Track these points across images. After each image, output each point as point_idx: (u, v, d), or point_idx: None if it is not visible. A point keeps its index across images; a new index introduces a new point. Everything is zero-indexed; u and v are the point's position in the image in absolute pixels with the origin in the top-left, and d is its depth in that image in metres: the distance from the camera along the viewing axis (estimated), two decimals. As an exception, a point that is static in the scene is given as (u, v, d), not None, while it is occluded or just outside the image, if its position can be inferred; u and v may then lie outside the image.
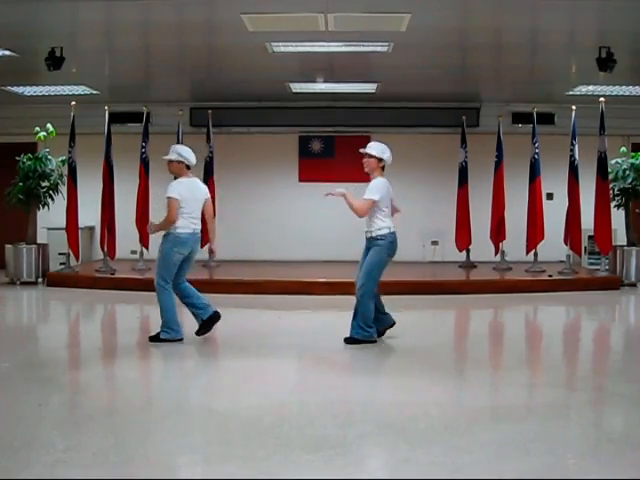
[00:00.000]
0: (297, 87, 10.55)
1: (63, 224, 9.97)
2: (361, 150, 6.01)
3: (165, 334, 5.88)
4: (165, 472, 3.22)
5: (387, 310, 6.03)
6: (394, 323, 5.99)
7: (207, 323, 5.93)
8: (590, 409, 4.32)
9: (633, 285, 9.69)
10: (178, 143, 10.50)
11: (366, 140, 11.89)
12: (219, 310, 5.97)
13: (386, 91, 10.63)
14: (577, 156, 9.81)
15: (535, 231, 10.02)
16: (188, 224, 5.84)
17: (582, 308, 8.67)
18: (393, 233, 5.83)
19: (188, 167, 5.97)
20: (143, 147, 10.36)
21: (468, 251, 10.90)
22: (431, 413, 4.14)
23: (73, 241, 9.87)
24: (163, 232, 5.94)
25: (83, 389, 4.77)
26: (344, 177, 11.91)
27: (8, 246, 9.96)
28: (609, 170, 9.77)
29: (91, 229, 11.63)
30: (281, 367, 5.34)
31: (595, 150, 9.70)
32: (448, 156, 11.15)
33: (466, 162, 10.94)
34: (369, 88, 10.58)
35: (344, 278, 9.47)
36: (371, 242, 5.89)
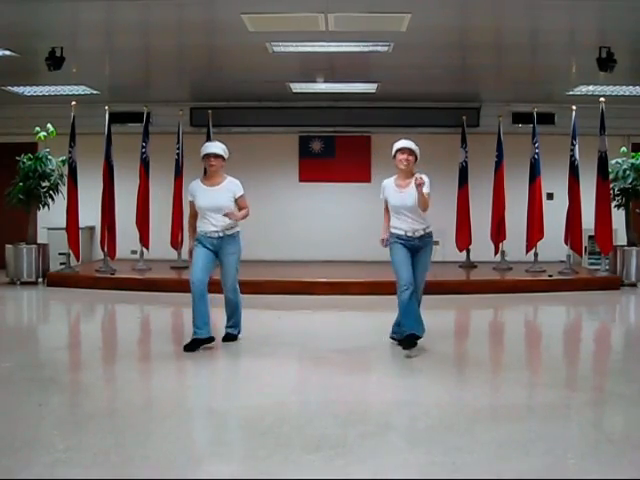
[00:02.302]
0: (297, 87, 10.55)
1: (63, 224, 9.98)
2: (406, 145, 5.63)
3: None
4: (165, 472, 3.22)
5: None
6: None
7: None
8: (590, 409, 4.32)
9: (633, 285, 9.69)
10: (178, 143, 10.61)
11: (366, 140, 12.03)
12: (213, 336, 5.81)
13: (386, 91, 10.63)
14: (577, 156, 9.81)
15: (534, 231, 10.03)
16: None
17: (582, 308, 8.66)
18: None
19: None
20: (143, 147, 10.37)
21: (468, 251, 10.91)
22: (431, 413, 4.14)
23: (73, 241, 9.87)
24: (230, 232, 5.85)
25: (83, 389, 4.77)
26: (344, 177, 11.99)
27: (8, 246, 9.96)
28: (609, 170, 9.77)
29: (91, 229, 11.64)
30: (281, 367, 5.33)
31: (595, 150, 9.70)
32: (448, 156, 11.15)
33: (466, 162, 10.95)
34: (369, 88, 10.58)
35: (344, 278, 9.53)
36: (422, 240, 5.72)
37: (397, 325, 5.87)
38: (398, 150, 5.69)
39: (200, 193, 5.77)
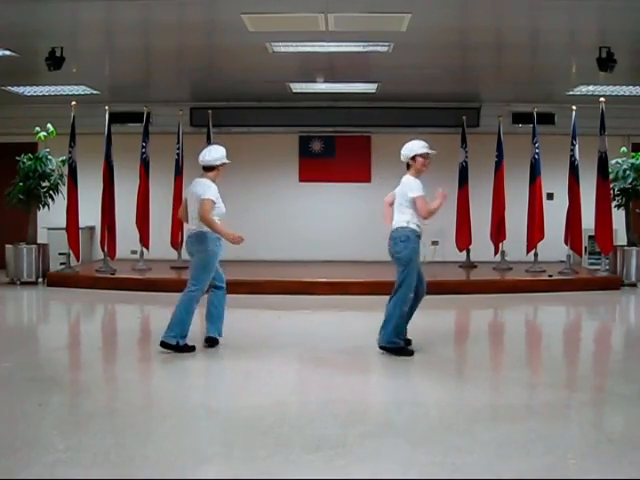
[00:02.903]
0: (297, 87, 10.55)
1: (63, 224, 9.98)
2: (431, 151, 5.79)
3: None
4: (165, 472, 3.22)
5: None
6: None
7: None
8: (590, 409, 4.32)
9: (633, 285, 9.69)
10: (178, 143, 10.61)
11: (366, 140, 12.03)
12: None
13: (386, 91, 10.63)
14: (577, 156, 9.81)
15: (535, 231, 10.03)
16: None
17: (582, 308, 8.67)
18: None
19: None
20: (143, 147, 10.37)
21: (468, 251, 10.91)
22: (431, 413, 4.14)
23: (73, 241, 9.87)
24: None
25: (83, 389, 4.77)
26: (344, 177, 11.99)
27: (8, 246, 9.96)
28: (609, 170, 9.76)
29: (91, 229, 11.63)
30: (281, 367, 5.33)
31: (595, 150, 9.70)
32: (448, 156, 11.11)
33: (466, 162, 10.95)
34: (369, 88, 10.58)
35: (344, 278, 9.53)
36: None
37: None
38: (421, 155, 5.72)
39: (219, 198, 5.69)
